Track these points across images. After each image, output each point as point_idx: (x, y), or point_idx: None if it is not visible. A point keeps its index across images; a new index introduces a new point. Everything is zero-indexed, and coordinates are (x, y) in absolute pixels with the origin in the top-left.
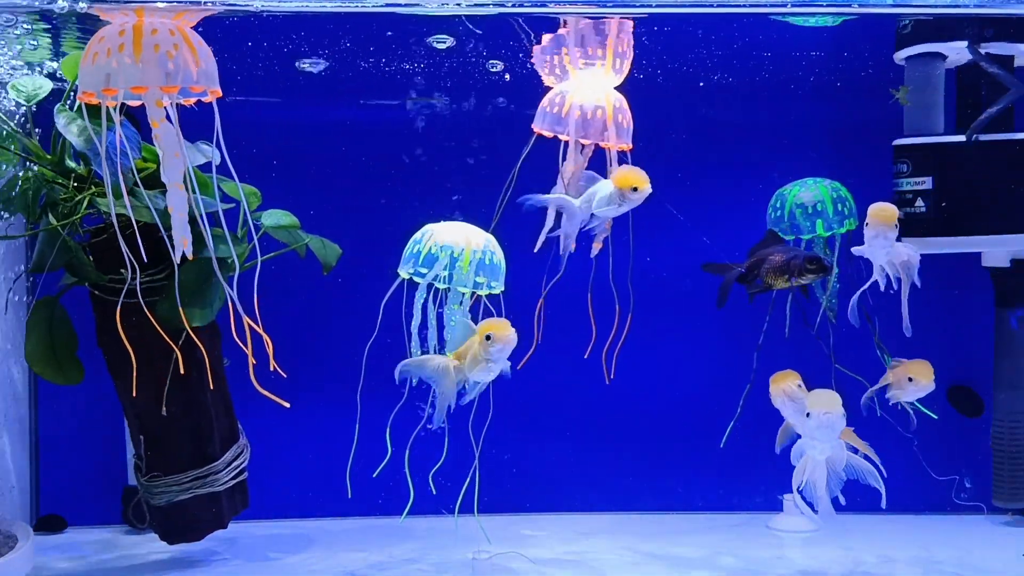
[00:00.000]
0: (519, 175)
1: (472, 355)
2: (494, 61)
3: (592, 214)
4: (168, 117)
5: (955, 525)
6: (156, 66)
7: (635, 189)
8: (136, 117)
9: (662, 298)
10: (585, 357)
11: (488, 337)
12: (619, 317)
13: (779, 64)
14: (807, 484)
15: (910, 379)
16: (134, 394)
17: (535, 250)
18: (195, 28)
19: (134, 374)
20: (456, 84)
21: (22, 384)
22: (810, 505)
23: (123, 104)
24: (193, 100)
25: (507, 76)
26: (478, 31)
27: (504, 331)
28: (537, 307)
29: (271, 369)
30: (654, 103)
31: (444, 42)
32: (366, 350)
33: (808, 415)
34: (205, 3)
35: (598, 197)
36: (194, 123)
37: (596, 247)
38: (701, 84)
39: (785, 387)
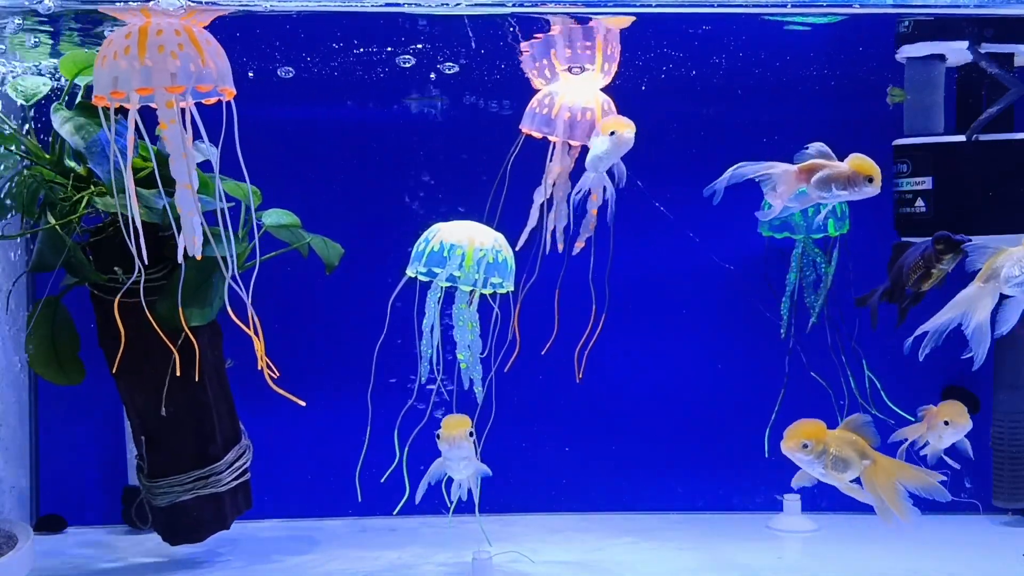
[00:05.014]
0: (510, 175)
1: None
2: (484, 59)
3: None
4: (182, 117)
5: (954, 525)
6: (160, 67)
7: (620, 133)
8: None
9: (662, 297)
10: (546, 355)
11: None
12: (617, 317)
13: (778, 64)
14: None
15: (946, 423)
16: (135, 394)
17: (516, 248)
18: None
19: (134, 372)
20: (455, 83)
21: (22, 384)
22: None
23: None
24: (214, 100)
25: (508, 76)
26: (473, 31)
27: (446, 430)
28: (516, 309)
29: (259, 367)
30: (649, 103)
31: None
32: (376, 350)
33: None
34: (213, 3)
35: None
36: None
37: (579, 245)
38: (697, 84)
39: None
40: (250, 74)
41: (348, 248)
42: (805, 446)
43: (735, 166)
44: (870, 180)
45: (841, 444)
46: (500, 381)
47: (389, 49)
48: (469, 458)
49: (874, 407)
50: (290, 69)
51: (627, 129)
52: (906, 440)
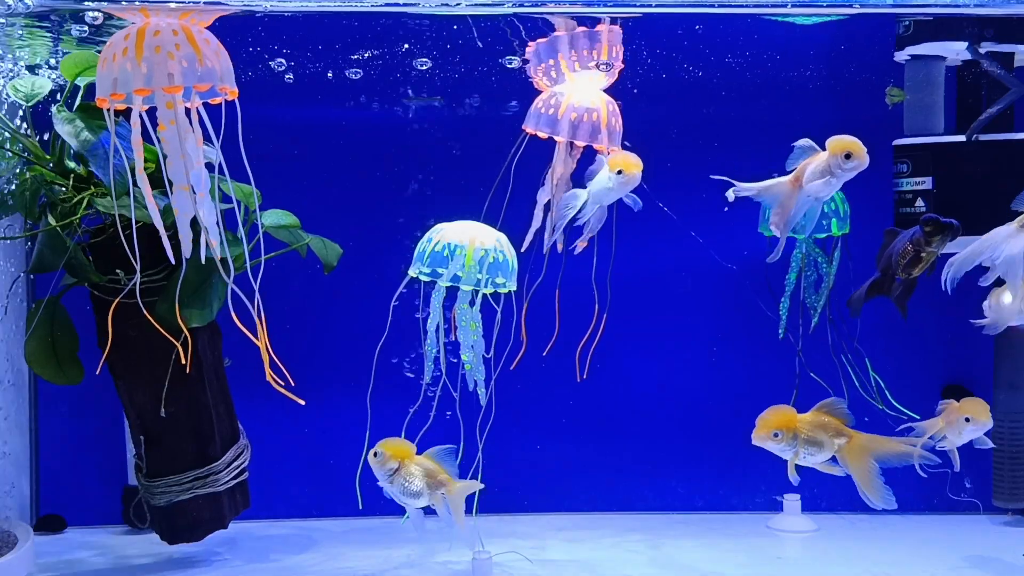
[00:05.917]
0: (513, 176)
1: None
2: (505, 58)
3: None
4: (188, 116)
5: (954, 525)
6: (157, 67)
7: (626, 173)
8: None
9: (663, 297)
10: (548, 355)
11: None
12: (618, 317)
13: (778, 63)
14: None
15: (967, 419)
16: (134, 394)
17: (521, 249)
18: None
19: (135, 373)
20: (456, 83)
21: (22, 384)
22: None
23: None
24: (218, 100)
25: (507, 77)
26: (475, 31)
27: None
28: (523, 309)
29: (266, 375)
30: (649, 103)
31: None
32: (377, 350)
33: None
34: (214, 3)
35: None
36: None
37: (581, 245)
38: (698, 84)
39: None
40: (250, 73)
41: (348, 248)
42: (776, 435)
43: (732, 190)
44: (848, 156)
45: (811, 428)
46: (501, 381)
47: (387, 49)
48: (396, 488)
49: (881, 404)
50: (291, 69)
51: (634, 169)
52: (924, 433)
